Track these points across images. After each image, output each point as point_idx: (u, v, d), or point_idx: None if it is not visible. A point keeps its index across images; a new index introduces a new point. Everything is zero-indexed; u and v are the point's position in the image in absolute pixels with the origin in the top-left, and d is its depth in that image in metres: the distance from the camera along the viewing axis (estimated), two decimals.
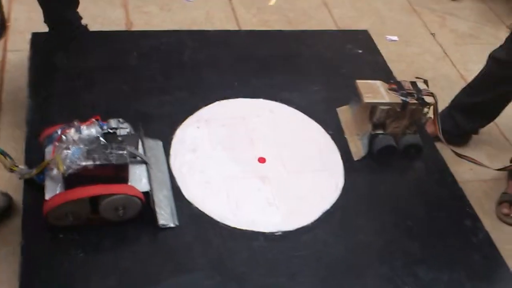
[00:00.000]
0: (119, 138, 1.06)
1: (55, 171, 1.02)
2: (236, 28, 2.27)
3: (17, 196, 1.47)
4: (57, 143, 1.03)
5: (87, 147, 1.01)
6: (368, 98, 1.26)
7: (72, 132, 1.03)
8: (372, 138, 1.29)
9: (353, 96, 1.33)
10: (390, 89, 1.29)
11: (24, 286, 0.98)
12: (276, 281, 1.06)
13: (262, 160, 1.26)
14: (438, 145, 1.43)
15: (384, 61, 1.63)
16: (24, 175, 1.08)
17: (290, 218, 1.17)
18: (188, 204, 1.15)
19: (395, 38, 2.42)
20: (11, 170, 1.08)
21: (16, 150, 1.57)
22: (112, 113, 1.26)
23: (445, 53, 2.37)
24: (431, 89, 1.32)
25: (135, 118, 1.25)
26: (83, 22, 1.75)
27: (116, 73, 1.25)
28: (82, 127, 1.05)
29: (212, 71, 1.47)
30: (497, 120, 1.90)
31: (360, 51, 1.65)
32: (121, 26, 2.13)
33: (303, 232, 1.15)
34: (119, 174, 1.04)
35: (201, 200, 1.16)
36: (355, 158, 1.30)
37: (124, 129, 1.10)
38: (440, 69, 2.27)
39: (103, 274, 1.01)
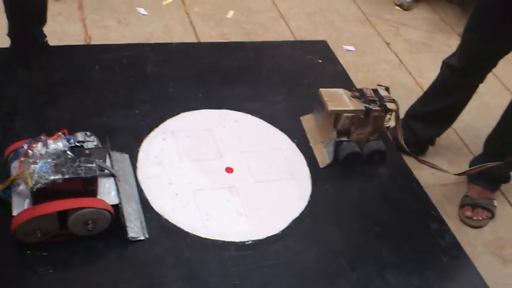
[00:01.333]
0: (87, 151, 1.04)
1: (22, 186, 0.99)
2: (196, 41, 2.28)
3: None
4: (23, 158, 1.00)
5: (54, 161, 0.99)
6: (332, 106, 1.28)
7: (39, 146, 1.00)
8: (337, 145, 1.31)
9: (315, 104, 1.35)
10: (353, 97, 1.32)
11: None
12: None
13: (229, 170, 1.26)
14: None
15: (344, 70, 1.66)
16: None
17: (259, 227, 1.17)
18: (158, 216, 1.14)
19: (351, 48, 2.48)
20: None
21: None
22: (77, 127, 1.25)
23: (401, 61, 2.44)
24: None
25: (100, 132, 1.23)
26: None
27: (79, 87, 1.24)
28: (48, 141, 1.03)
29: (176, 83, 1.47)
30: (454, 125, 1.96)
31: (320, 61, 1.68)
32: (79, 41, 2.11)
33: (273, 241, 1.15)
34: (88, 187, 1.02)
35: (171, 212, 1.15)
36: (321, 166, 1.31)
37: (91, 142, 1.09)
38: (397, 77, 2.33)
39: None
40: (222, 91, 1.48)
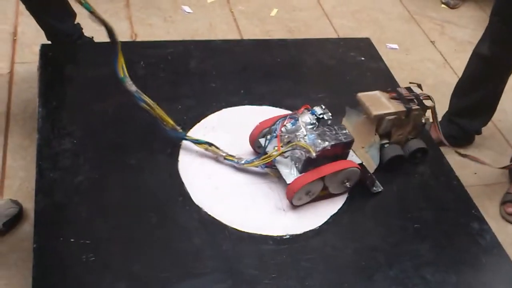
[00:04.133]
0: (328, 122, 1.19)
1: (285, 157, 1.18)
2: (239, 38, 2.30)
3: (26, 204, 1.50)
4: (280, 133, 1.17)
5: (316, 132, 1.16)
6: (375, 110, 1.26)
7: (304, 118, 1.18)
8: (380, 149, 1.30)
9: (349, 108, 1.34)
10: (392, 98, 1.30)
11: None
12: (286, 285, 1.07)
13: (269, 164, 1.27)
14: (442, 150, 1.44)
15: (387, 68, 1.65)
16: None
17: (297, 221, 1.18)
18: (198, 209, 1.17)
19: (395, 46, 2.46)
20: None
21: (25, 158, 1.60)
22: (122, 122, 1.29)
23: (446, 60, 2.41)
24: (434, 96, 1.33)
25: (144, 125, 1.28)
26: (89, 34, 1.77)
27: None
28: (297, 116, 1.20)
29: (218, 79, 1.49)
30: (499, 125, 1.92)
31: (362, 59, 1.67)
32: (126, 38, 2.16)
33: (311, 236, 1.16)
34: (345, 150, 1.19)
35: (210, 205, 1.18)
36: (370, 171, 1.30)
37: (327, 113, 1.20)
38: (441, 76, 2.30)
39: (114, 278, 1.02)
40: (264, 87, 1.49)
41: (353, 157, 1.24)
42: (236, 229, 1.14)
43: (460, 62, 2.36)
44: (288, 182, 1.16)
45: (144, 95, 1.20)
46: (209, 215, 1.16)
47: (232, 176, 1.25)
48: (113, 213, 1.14)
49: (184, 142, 1.28)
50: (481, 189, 1.79)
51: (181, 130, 1.26)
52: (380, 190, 1.26)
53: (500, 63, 1.74)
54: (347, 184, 1.21)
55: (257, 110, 1.42)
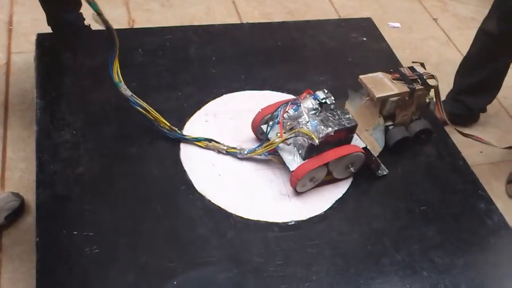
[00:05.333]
0: (331, 106, 1.16)
1: (287, 144, 1.16)
2: (238, 22, 2.27)
3: (28, 196, 1.48)
4: (282, 120, 1.15)
5: (319, 117, 1.14)
6: (378, 92, 1.24)
7: (306, 103, 1.16)
8: (385, 131, 1.28)
9: (352, 91, 1.31)
10: (394, 79, 1.28)
11: (41, 282, 0.98)
12: (293, 271, 1.06)
13: (272, 151, 1.26)
14: (447, 129, 1.42)
15: (390, 48, 1.62)
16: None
17: (302, 207, 1.17)
18: (201, 197, 1.15)
19: (397, 25, 2.43)
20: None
21: (25, 149, 1.58)
22: (121, 110, 1.27)
23: (449, 37, 2.37)
24: (437, 75, 1.31)
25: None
26: (86, 22, 1.75)
27: (122, 71, 1.25)
28: (299, 101, 1.17)
29: (218, 65, 1.47)
30: (504, 103, 1.90)
31: (364, 39, 1.65)
32: (123, 25, 2.13)
33: (317, 221, 1.15)
34: (349, 135, 1.17)
35: (214, 193, 1.16)
36: (375, 155, 1.28)
37: (330, 97, 1.18)
38: (445, 54, 2.27)
39: (121, 270, 1.01)
40: (265, 72, 1.47)
41: (357, 141, 1.23)
42: (241, 217, 1.13)
43: (463, 39, 2.33)
44: (291, 170, 1.15)
45: (139, 99, 1.18)
46: (213, 203, 1.14)
47: (234, 163, 1.23)
48: (116, 204, 1.12)
49: (187, 127, 1.27)
50: (488, 168, 1.77)
51: (179, 131, 1.25)
52: (385, 173, 1.25)
53: (508, 40, 1.70)
54: (352, 168, 1.19)
55: (259, 95, 1.40)
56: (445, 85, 1.89)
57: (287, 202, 1.17)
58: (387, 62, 1.54)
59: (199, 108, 1.34)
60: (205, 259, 1.05)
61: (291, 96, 1.40)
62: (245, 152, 1.22)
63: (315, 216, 1.16)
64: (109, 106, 1.31)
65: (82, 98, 1.32)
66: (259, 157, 1.23)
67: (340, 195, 1.20)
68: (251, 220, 1.13)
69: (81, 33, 1.59)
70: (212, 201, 1.15)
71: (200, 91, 1.38)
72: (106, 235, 1.06)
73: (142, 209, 1.12)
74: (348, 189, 1.22)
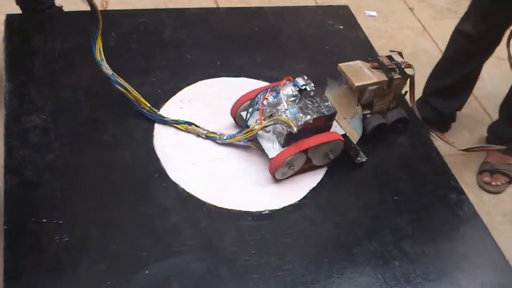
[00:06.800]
0: (311, 93, 1.15)
1: (266, 132, 1.16)
2: (214, 6, 2.24)
3: None
4: (262, 106, 1.15)
5: (298, 105, 1.13)
6: (357, 81, 1.24)
7: (285, 90, 1.15)
8: (362, 120, 1.28)
9: (330, 79, 1.31)
10: (373, 68, 1.28)
11: (9, 271, 0.97)
12: (267, 261, 1.05)
13: (251, 138, 1.25)
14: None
15: (366, 37, 1.62)
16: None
17: (276, 197, 1.16)
18: (174, 185, 1.14)
19: (373, 13, 2.43)
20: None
21: None
22: (94, 94, 1.25)
23: (424, 28, 2.39)
24: (413, 65, 1.31)
25: (118, 99, 1.24)
26: (57, 3, 1.71)
27: None
28: (278, 88, 1.16)
29: (193, 50, 1.45)
30: (476, 93, 1.92)
31: (341, 27, 1.64)
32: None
33: (290, 211, 1.15)
34: (328, 123, 1.17)
35: (188, 182, 1.15)
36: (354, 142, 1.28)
37: (309, 84, 1.17)
38: (420, 44, 2.28)
39: (92, 259, 1.00)
40: (241, 58, 1.46)
41: (337, 128, 1.23)
42: (215, 206, 1.12)
43: (439, 30, 2.35)
44: (270, 157, 1.15)
45: (121, 79, 1.17)
46: (187, 192, 1.13)
47: (209, 151, 1.22)
48: (87, 191, 1.10)
49: (161, 114, 1.25)
50: (459, 158, 1.79)
51: (158, 112, 1.23)
52: (364, 160, 1.25)
53: (485, 41, 1.71)
54: (331, 155, 1.20)
55: (235, 82, 1.39)
56: (420, 76, 1.89)
57: (261, 191, 1.17)
58: (364, 51, 1.54)
59: (173, 94, 1.32)
60: (178, 248, 1.04)
61: (267, 84, 1.39)
62: (225, 138, 1.21)
63: (289, 205, 1.16)
64: (81, 91, 1.28)
65: (53, 82, 1.29)
66: (238, 143, 1.22)
67: (315, 184, 1.20)
68: (225, 209, 1.12)
69: (53, 14, 1.55)
70: (185, 189, 1.14)
71: (174, 76, 1.36)
72: (77, 223, 1.04)
73: (114, 197, 1.10)
74: (322, 178, 1.22)
